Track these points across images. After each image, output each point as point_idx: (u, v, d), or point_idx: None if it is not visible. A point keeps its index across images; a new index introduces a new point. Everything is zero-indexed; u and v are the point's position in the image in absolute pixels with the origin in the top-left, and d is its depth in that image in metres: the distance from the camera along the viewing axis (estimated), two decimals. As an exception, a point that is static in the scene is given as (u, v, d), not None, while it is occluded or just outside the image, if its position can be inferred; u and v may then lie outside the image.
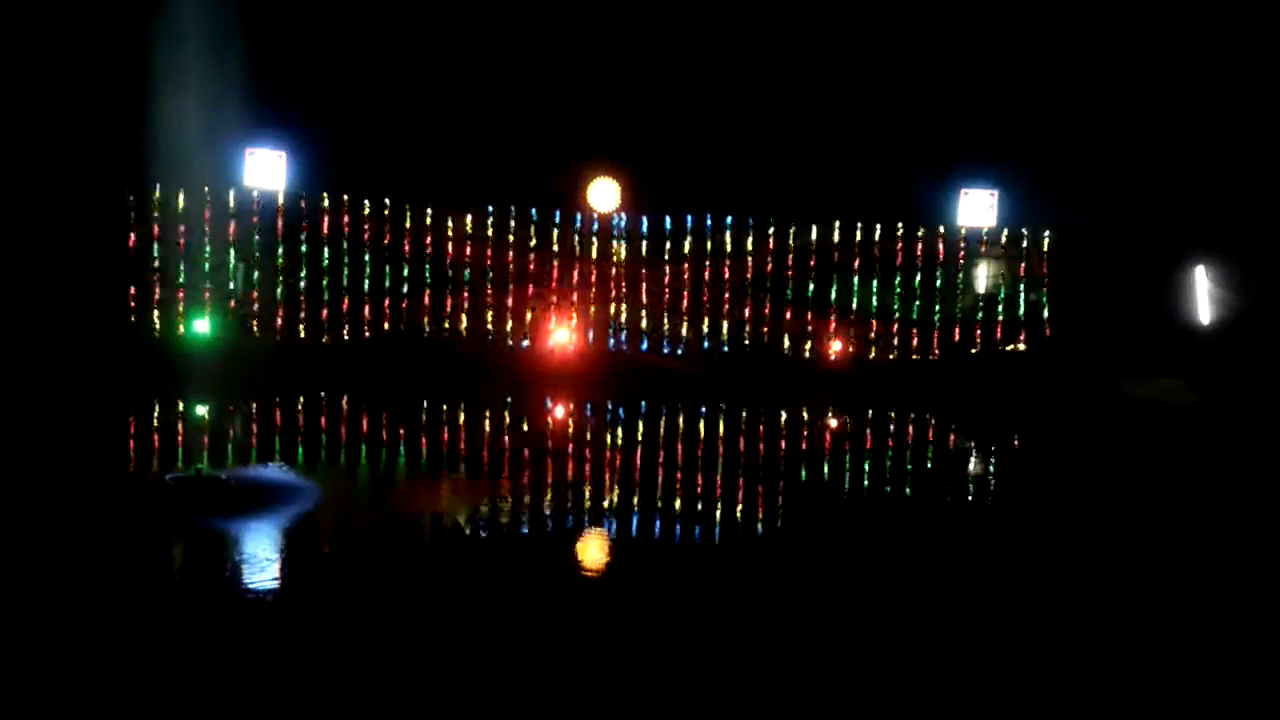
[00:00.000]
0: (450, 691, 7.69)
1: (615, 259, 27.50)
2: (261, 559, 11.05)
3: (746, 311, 27.64)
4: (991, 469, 18.57)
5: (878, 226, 27.72)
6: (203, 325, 25.33)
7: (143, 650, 8.09)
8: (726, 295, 27.57)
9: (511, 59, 25.39)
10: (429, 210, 26.72)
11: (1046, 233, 28.00)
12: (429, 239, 26.79)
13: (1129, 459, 18.65)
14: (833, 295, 27.69)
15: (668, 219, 27.45)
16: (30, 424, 16.63)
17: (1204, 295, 27.10)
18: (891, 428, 22.30)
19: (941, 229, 27.88)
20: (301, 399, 22.28)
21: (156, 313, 25.45)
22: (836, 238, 27.69)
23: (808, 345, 27.59)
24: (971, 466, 18.58)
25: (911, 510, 14.70)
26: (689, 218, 27.46)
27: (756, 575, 11.02)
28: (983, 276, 28.16)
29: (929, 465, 18.47)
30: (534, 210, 27.09)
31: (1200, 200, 25.36)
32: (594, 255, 27.42)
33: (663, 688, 7.83)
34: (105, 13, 21.80)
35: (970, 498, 15.99)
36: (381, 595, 9.71)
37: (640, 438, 20.08)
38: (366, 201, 26.47)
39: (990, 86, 25.77)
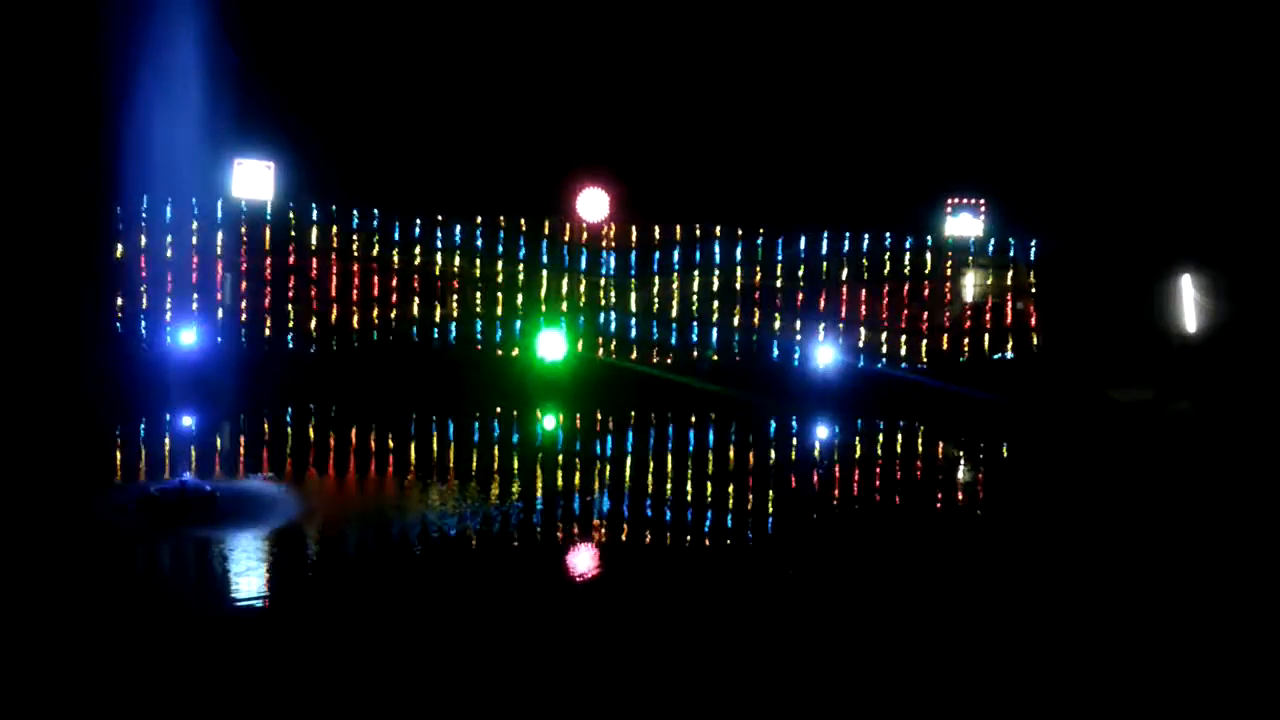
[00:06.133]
0: (431, 693, 7.67)
1: (605, 269, 27.52)
2: (239, 570, 10.99)
3: (736, 320, 27.68)
4: (987, 477, 18.56)
5: (866, 236, 27.82)
6: (190, 336, 25.24)
7: (118, 655, 8.06)
8: (716, 304, 27.61)
9: (501, 71, 25.43)
10: (418, 219, 26.72)
11: (1033, 242, 28.14)
12: (418, 248, 26.80)
13: (1121, 465, 18.68)
14: (822, 304, 27.76)
15: (657, 229, 27.50)
16: (16, 434, 16.54)
17: (1190, 303, 27.23)
18: (882, 436, 22.30)
19: (930, 239, 28.00)
20: (289, 409, 22.21)
21: (144, 323, 25.37)
22: (826, 247, 27.79)
23: (798, 354, 27.63)
24: (967, 474, 18.58)
25: (912, 519, 14.68)
26: (678, 227, 27.52)
27: (758, 587, 10.98)
28: (971, 285, 28.26)
29: (924, 473, 18.44)
30: (523, 220, 27.12)
31: (1185, 210, 25.50)
32: (583, 265, 27.45)
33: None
34: (93, 25, 21.74)
35: (967, 506, 16.00)
36: (358, 607, 9.66)
37: (628, 448, 20.04)
38: (355, 211, 26.47)
39: (978, 98, 25.90)
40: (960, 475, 18.61)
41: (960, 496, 16.89)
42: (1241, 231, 25.36)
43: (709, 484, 16.62)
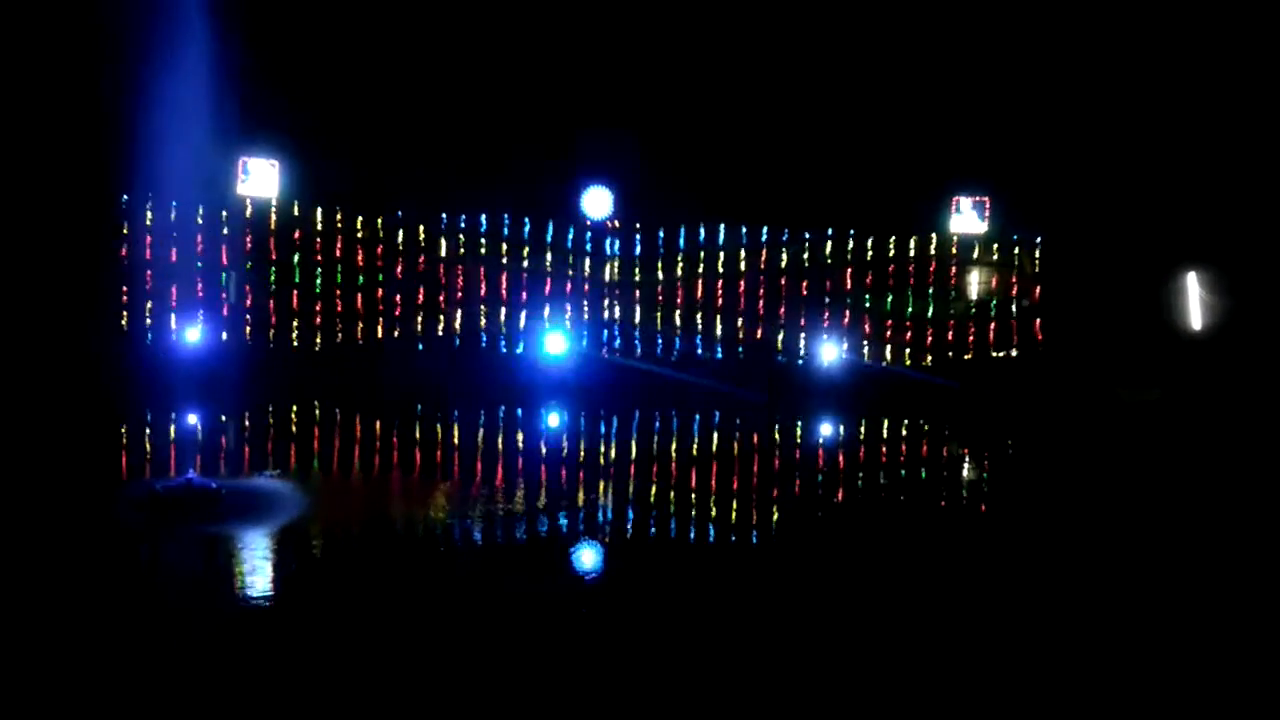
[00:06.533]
0: (431, 692, 7.70)
1: (608, 266, 27.54)
2: (242, 569, 11.01)
3: (740, 319, 27.67)
4: (994, 476, 18.51)
5: (871, 234, 27.79)
6: (195, 332, 25.33)
7: (130, 650, 8.11)
8: (720, 302, 27.61)
9: (506, 69, 25.45)
10: (421, 218, 26.74)
11: (1039, 240, 28.09)
12: (423, 246, 26.83)
13: (1128, 465, 18.64)
14: (827, 302, 27.75)
15: (661, 227, 27.50)
16: (23, 430, 16.61)
17: (1196, 301, 27.16)
18: (887, 435, 22.28)
19: (935, 236, 27.96)
20: (294, 406, 22.25)
21: (149, 319, 25.45)
22: (830, 245, 27.77)
23: (802, 352, 27.63)
24: (974, 474, 18.53)
25: (917, 519, 14.65)
26: (682, 224, 27.52)
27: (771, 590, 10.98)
28: (975, 283, 28.22)
29: (930, 473, 18.40)
30: (528, 218, 27.14)
31: (1192, 207, 25.44)
32: (587, 263, 27.47)
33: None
34: (100, 23, 21.81)
35: (974, 506, 15.97)
36: (361, 604, 9.69)
37: (629, 447, 20.05)
38: (360, 210, 26.51)
39: (983, 97, 25.86)
40: (968, 474, 18.57)
41: (968, 496, 16.86)
42: (1248, 229, 25.29)
43: (710, 482, 16.62)
